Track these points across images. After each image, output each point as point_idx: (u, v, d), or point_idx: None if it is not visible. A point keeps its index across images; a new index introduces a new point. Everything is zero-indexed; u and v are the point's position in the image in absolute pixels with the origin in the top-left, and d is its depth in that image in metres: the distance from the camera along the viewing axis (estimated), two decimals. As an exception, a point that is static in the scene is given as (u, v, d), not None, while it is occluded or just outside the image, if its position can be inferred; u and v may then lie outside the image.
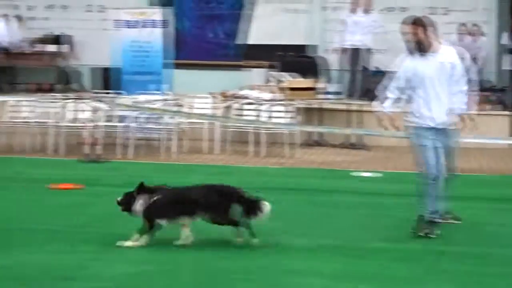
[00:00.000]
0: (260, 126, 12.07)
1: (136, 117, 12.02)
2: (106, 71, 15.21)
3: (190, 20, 16.79)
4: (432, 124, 7.10)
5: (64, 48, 16.16)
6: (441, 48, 7.22)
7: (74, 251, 6.44)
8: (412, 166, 9.56)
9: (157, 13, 14.39)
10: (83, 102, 12.19)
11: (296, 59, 15.25)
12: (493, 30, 15.21)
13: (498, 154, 12.40)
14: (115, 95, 13.02)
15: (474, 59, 14.70)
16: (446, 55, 7.19)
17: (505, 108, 13.69)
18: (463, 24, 14.83)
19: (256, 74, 15.21)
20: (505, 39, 14.54)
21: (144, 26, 14.23)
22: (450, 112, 7.16)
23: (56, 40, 16.36)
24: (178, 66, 15.17)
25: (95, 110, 11.51)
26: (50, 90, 15.39)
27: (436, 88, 7.11)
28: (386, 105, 7.35)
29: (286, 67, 14.61)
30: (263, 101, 12.79)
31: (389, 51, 15.23)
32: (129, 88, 13.59)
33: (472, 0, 15.45)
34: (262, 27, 16.14)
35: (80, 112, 12.23)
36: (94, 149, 11.29)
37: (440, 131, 7.14)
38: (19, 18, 15.91)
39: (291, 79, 13.86)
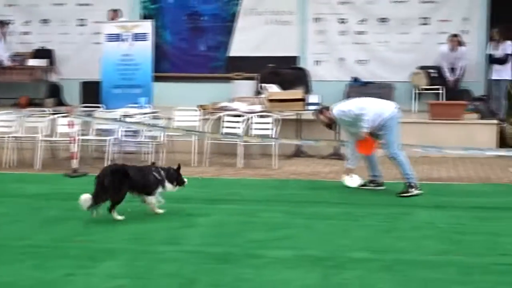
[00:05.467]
0: (246, 138, 12.09)
1: (121, 131, 12.02)
2: (94, 85, 15.13)
3: (174, 33, 16.80)
4: None
5: (45, 62, 16.15)
6: None
7: (50, 266, 6.38)
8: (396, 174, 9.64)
9: (141, 26, 14.35)
10: (63, 117, 12.16)
11: (284, 71, 15.26)
12: (483, 39, 15.29)
13: (487, 162, 12.39)
14: (96, 109, 13.01)
15: (452, 69, 14.97)
16: None
17: (483, 117, 13.69)
18: (455, 35, 14.93)
19: (244, 86, 15.23)
20: (490, 49, 14.57)
21: (128, 39, 14.17)
22: None
23: (43, 54, 16.38)
24: (164, 79, 15.23)
25: (72, 125, 11.42)
26: (30, 104, 15.37)
27: None
28: None
29: (273, 79, 14.60)
30: (249, 113, 12.77)
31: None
32: (116, 102, 13.55)
33: (458, 10, 15.56)
34: (246, 39, 16.19)
35: (60, 126, 12.25)
36: (74, 163, 11.21)
37: None
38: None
39: (277, 91, 13.79)
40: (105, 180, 7.85)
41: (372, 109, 9.53)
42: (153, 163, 8.72)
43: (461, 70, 15.02)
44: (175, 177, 8.35)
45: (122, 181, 7.94)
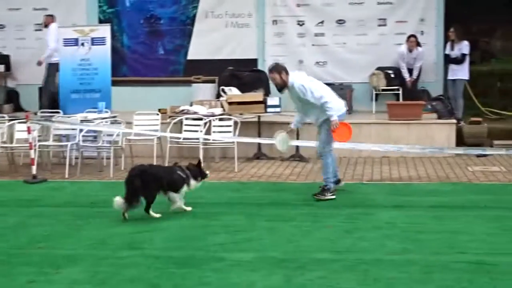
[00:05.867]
0: (207, 141, 12.12)
1: (80, 136, 11.95)
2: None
3: (132, 37, 16.73)
4: None
5: (1, 68, 15.99)
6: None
7: (12, 273, 6.32)
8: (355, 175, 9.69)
9: (99, 30, 14.24)
10: (21, 122, 12.04)
11: (244, 73, 15.27)
12: (440, 40, 15.47)
13: (445, 162, 12.53)
14: (54, 115, 12.90)
15: (410, 70, 15.15)
16: None
17: (440, 117, 13.84)
18: (413, 36, 15.08)
19: (203, 90, 15.23)
20: (447, 49, 14.74)
21: (86, 44, 14.04)
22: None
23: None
24: (122, 83, 15.15)
25: (32, 130, 11.33)
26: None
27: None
28: None
29: (233, 82, 14.61)
30: (209, 116, 12.77)
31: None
32: (75, 107, 13.44)
33: (415, 11, 15.72)
34: (205, 42, 16.19)
35: (18, 132, 12.12)
36: (33, 170, 11.12)
37: None
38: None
39: (237, 94, 13.78)
40: (136, 181, 8.12)
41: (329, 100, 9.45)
42: (176, 163, 9.02)
43: (418, 71, 15.18)
44: (198, 172, 8.70)
45: (152, 181, 8.21)
